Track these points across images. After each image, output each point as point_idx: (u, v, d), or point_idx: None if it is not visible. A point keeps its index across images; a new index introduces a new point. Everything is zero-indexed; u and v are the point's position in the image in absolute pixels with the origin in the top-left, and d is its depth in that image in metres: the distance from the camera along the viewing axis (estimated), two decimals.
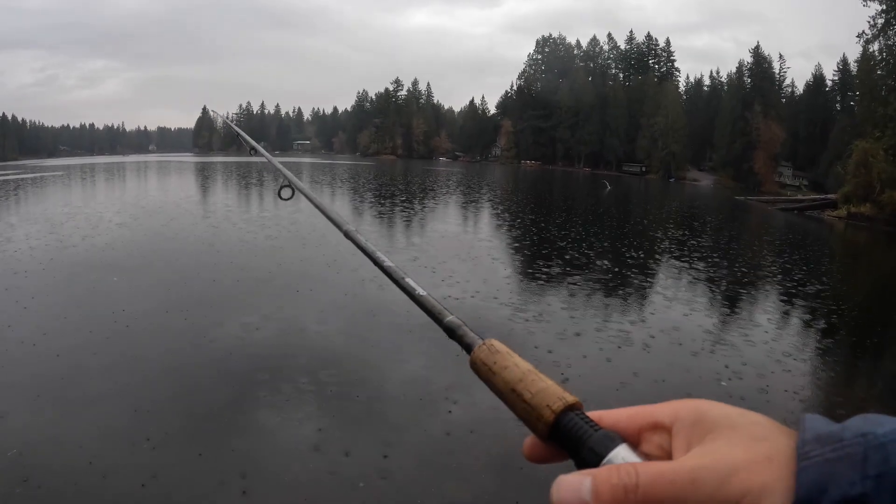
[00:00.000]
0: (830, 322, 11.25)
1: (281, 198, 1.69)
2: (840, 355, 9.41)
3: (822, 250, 24.84)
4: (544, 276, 13.13)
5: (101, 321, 8.41)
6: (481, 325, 8.82)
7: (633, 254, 17.44)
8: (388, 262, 0.89)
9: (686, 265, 15.89)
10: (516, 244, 18.44)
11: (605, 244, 19.35)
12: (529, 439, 0.56)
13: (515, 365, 0.58)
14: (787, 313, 11.63)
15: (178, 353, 7.28)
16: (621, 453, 0.50)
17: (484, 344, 0.62)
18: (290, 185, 1.67)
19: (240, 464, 4.90)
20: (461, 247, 16.39)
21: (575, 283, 12.52)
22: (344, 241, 1.08)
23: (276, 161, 1.77)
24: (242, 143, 2.77)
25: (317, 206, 1.35)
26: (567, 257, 15.38)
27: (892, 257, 26.02)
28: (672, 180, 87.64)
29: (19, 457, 4.83)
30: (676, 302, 11.46)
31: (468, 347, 0.64)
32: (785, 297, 12.89)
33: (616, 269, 14.39)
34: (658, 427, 0.52)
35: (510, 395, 0.57)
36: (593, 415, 0.54)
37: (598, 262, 15.18)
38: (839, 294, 14.33)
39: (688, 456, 0.48)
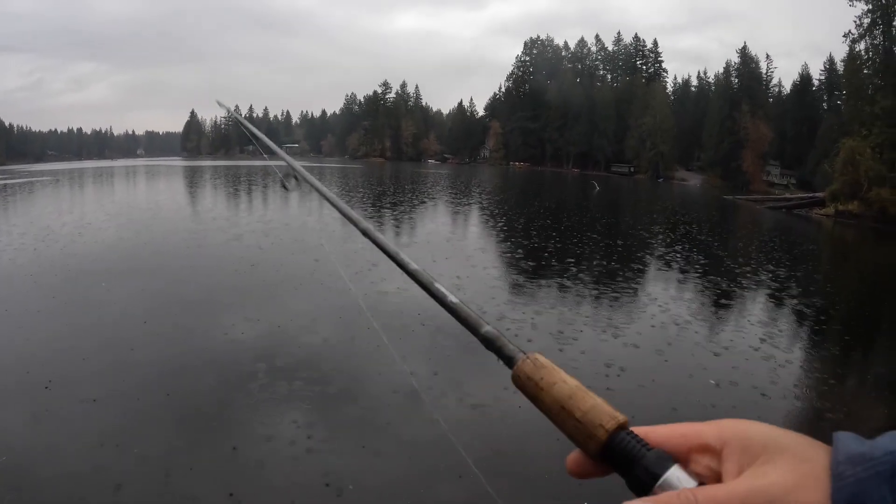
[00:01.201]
0: (820, 319, 11.28)
1: (285, 188, 1.65)
2: (830, 351, 9.43)
3: (811, 248, 24.95)
4: (534, 277, 13.11)
5: (90, 327, 8.30)
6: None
7: (623, 252, 17.45)
8: (413, 265, 0.84)
9: (675, 264, 15.90)
10: (505, 244, 18.40)
11: (595, 244, 19.33)
12: (575, 455, 0.56)
13: (563, 381, 0.57)
14: (776, 310, 11.65)
15: (169, 359, 7.18)
16: (675, 474, 0.50)
17: (528, 358, 0.60)
18: (294, 175, 1.62)
19: (229, 469, 4.85)
20: (450, 249, 16.35)
21: (564, 284, 12.49)
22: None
23: (296, 164, 1.66)
24: (253, 141, 2.67)
25: (330, 202, 1.27)
26: (552, 255, 15.36)
27: (880, 254, 26.16)
28: (661, 180, 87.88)
29: (8, 464, 4.75)
30: (665, 300, 11.44)
31: (509, 361, 0.62)
32: (774, 295, 12.90)
33: (606, 268, 14.38)
34: (707, 449, 0.53)
35: (559, 413, 0.56)
36: (639, 430, 0.54)
37: (588, 262, 15.17)
38: (828, 291, 14.39)
39: (740, 480, 0.49)
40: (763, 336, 9.34)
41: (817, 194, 44.31)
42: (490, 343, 0.65)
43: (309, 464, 4.98)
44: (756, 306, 11.90)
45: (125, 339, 7.76)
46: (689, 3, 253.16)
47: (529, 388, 0.59)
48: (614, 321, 9.71)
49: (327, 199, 1.27)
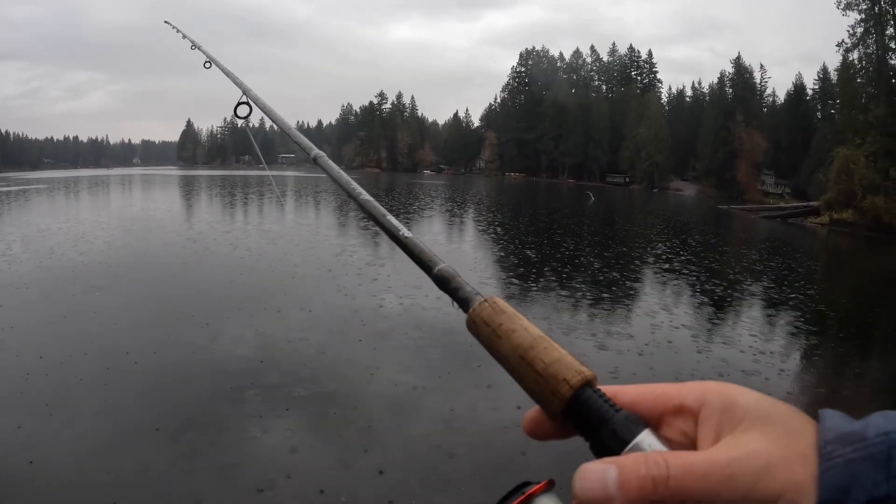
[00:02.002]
0: (814, 327, 11.25)
1: (237, 115, 1.52)
2: (825, 357, 9.41)
3: (806, 257, 24.96)
4: (531, 286, 13.08)
5: (84, 337, 8.24)
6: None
7: (619, 260, 17.44)
8: (365, 196, 0.79)
9: (671, 272, 15.89)
10: (501, 254, 18.39)
11: (592, 252, 19.31)
12: (533, 413, 0.52)
13: (524, 329, 0.52)
14: (770, 319, 11.63)
15: (163, 368, 7.13)
16: (647, 440, 0.46)
17: (486, 301, 0.56)
18: (247, 103, 1.51)
19: (222, 479, 4.81)
20: (448, 258, 16.32)
21: (562, 291, 12.46)
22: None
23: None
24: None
25: (283, 130, 1.25)
26: (545, 265, 15.35)
27: (874, 262, 26.21)
28: (656, 190, 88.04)
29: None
30: (661, 307, 11.43)
31: (464, 303, 0.58)
32: (770, 303, 12.89)
33: (602, 276, 14.37)
34: (683, 411, 0.48)
35: (518, 364, 0.51)
36: (608, 389, 0.50)
37: (585, 270, 15.15)
38: (823, 299, 14.36)
39: (719, 447, 0.45)
40: (756, 343, 9.34)
41: (812, 203, 44.42)
42: (444, 283, 0.61)
43: (302, 475, 4.93)
44: (750, 315, 11.86)
45: (117, 349, 7.69)
46: (682, 14, 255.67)
47: (486, 335, 0.54)
48: (607, 329, 9.68)
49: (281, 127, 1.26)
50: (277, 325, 9.14)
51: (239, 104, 1.50)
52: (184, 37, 2.65)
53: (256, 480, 4.74)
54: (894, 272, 22.86)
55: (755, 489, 0.42)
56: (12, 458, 4.92)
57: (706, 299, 12.70)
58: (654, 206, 54.48)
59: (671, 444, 0.47)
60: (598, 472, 0.44)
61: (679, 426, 0.48)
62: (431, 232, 22.89)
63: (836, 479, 0.40)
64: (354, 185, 0.84)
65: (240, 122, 1.57)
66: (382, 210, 0.74)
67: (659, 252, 20.06)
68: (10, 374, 6.78)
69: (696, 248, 22.78)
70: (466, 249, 19.00)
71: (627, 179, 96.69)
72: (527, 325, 0.53)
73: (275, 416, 5.88)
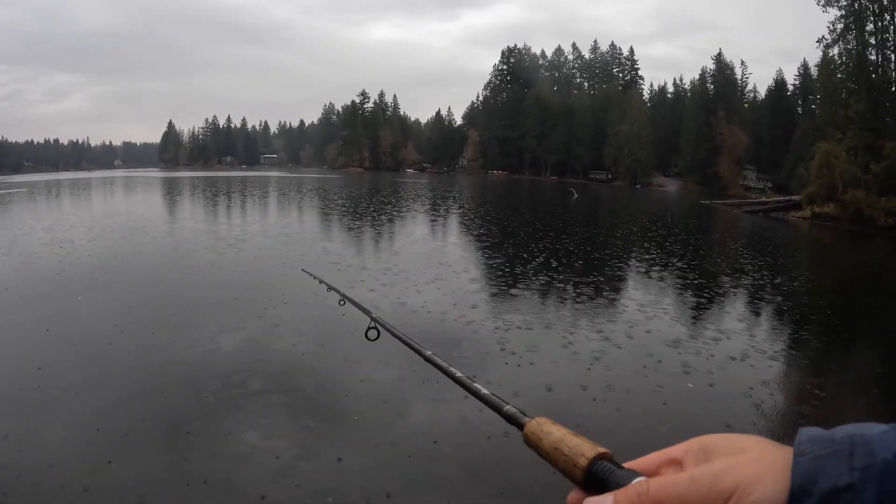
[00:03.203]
0: (798, 320, 11.24)
1: (368, 338, 1.75)
2: (808, 351, 9.32)
3: (789, 251, 25.03)
4: (515, 285, 12.96)
5: (65, 341, 8.01)
6: (459, 334, 8.64)
7: (603, 257, 17.36)
8: (458, 374, 0.98)
9: (655, 268, 15.83)
10: (486, 251, 18.26)
11: (575, 249, 19.22)
12: (572, 494, 0.62)
13: (557, 430, 0.67)
14: (754, 312, 11.58)
15: (145, 372, 6.91)
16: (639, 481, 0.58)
17: (534, 420, 0.71)
18: (376, 328, 1.73)
19: (206, 488, 4.62)
20: (431, 258, 16.20)
21: (546, 289, 12.35)
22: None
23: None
24: None
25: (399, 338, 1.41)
26: (533, 262, 15.23)
27: (856, 255, 26.36)
28: (639, 186, 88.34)
29: None
30: (646, 304, 11.34)
31: (521, 426, 0.73)
32: (753, 297, 12.84)
33: (586, 274, 14.27)
34: (673, 462, 0.59)
35: (553, 453, 0.65)
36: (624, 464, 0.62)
37: (569, 268, 15.04)
38: (806, 292, 14.34)
39: (692, 470, 0.55)
40: (740, 337, 9.26)
41: (793, 197, 44.67)
42: (510, 418, 0.77)
43: (289, 478, 4.78)
44: (734, 308, 11.79)
45: (101, 353, 7.48)
46: (659, 12, 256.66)
47: (533, 441, 0.69)
48: (595, 325, 9.57)
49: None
50: (262, 325, 8.96)
51: (369, 329, 1.74)
52: (320, 282, 3.29)
53: (239, 483, 4.60)
54: (876, 265, 22.95)
55: (714, 486, 0.51)
56: None
57: (689, 293, 12.63)
58: (637, 202, 54.71)
59: None
60: (598, 502, 0.57)
61: (669, 473, 0.58)
62: (414, 234, 22.74)
63: (805, 470, 0.48)
64: (453, 369, 1.00)
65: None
66: (470, 381, 0.92)
67: (642, 246, 20.03)
68: None
69: (680, 242, 22.75)
70: (450, 248, 18.89)
71: (610, 176, 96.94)
72: (559, 427, 0.68)
73: (261, 418, 5.70)
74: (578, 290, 12.06)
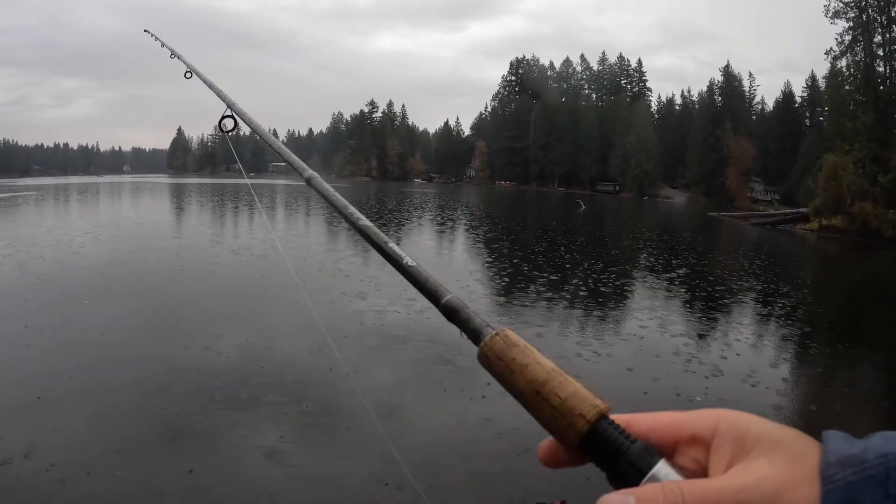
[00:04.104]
0: (805, 331, 11.17)
1: (221, 129, 1.50)
2: (816, 363, 9.27)
3: (796, 263, 24.95)
4: (521, 293, 12.95)
5: (73, 344, 8.00)
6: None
7: (608, 268, 17.34)
8: (364, 221, 0.78)
9: (663, 279, 15.80)
10: (494, 265, 18.26)
11: (582, 260, 19.20)
12: (549, 443, 0.53)
13: (538, 363, 0.53)
14: (763, 324, 11.54)
15: (151, 376, 6.89)
16: (663, 470, 0.48)
17: (497, 334, 0.55)
18: (232, 116, 1.50)
19: (204, 488, 4.63)
20: (440, 269, 16.22)
21: (552, 300, 12.34)
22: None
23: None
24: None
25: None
26: (536, 272, 15.22)
27: (863, 267, 26.22)
28: (645, 198, 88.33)
29: None
30: (653, 315, 11.29)
31: (475, 335, 0.57)
32: (759, 310, 12.80)
33: (593, 285, 14.25)
34: (696, 440, 0.50)
35: (534, 399, 0.52)
36: (620, 419, 0.51)
37: (573, 278, 15.03)
38: (815, 304, 14.29)
39: (731, 474, 0.47)
40: (747, 349, 9.24)
41: (801, 209, 44.54)
42: (453, 314, 0.60)
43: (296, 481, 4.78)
44: (741, 321, 11.75)
45: (108, 357, 7.48)
46: (663, 23, 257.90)
47: (499, 369, 0.54)
48: (597, 335, 9.55)
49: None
50: (262, 333, 8.95)
51: (224, 118, 1.49)
52: (162, 45, 2.69)
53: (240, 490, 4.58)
54: (884, 277, 22.84)
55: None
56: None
57: (697, 305, 12.59)
58: (645, 214, 54.60)
59: (685, 472, 0.48)
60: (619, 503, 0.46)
61: (692, 454, 0.50)
62: (420, 241, 22.75)
63: (837, 501, 0.43)
64: (352, 209, 0.82)
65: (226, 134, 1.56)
66: (384, 237, 0.73)
67: (650, 259, 20.01)
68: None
69: (688, 254, 22.70)
70: (457, 256, 18.90)
71: (617, 187, 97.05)
72: (539, 358, 0.53)
73: (265, 423, 5.69)
74: (584, 301, 12.04)
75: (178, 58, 2.36)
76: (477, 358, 0.56)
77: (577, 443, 0.50)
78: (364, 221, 0.77)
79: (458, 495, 4.61)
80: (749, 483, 0.45)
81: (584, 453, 0.51)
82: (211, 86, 1.75)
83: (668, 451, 0.50)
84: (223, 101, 1.55)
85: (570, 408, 0.50)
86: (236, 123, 1.49)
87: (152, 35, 3.14)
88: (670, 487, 0.46)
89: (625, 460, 0.48)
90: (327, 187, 0.90)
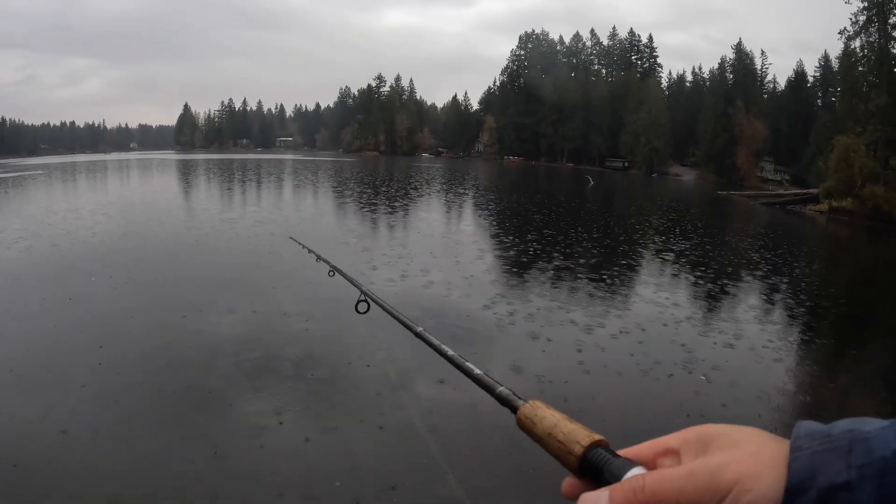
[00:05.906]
0: (813, 315, 11.31)
1: (357, 311, 1.83)
2: (822, 347, 9.45)
3: (805, 244, 25.01)
4: (529, 270, 13.10)
5: (79, 322, 8.27)
6: (460, 317, 8.83)
7: (619, 247, 17.45)
8: (451, 352, 0.98)
9: (670, 258, 15.92)
10: (500, 237, 18.38)
11: (590, 237, 19.31)
12: (567, 479, 0.62)
13: (551, 415, 0.67)
14: (769, 306, 11.68)
15: (158, 351, 7.18)
16: (636, 472, 0.56)
17: (528, 403, 0.71)
18: (366, 301, 1.82)
19: (217, 464, 4.85)
20: (446, 243, 16.35)
21: (559, 276, 12.49)
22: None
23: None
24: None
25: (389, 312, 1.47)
26: (544, 248, 15.35)
27: (873, 251, 26.27)
28: (655, 175, 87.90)
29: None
30: (659, 294, 11.45)
31: (514, 409, 0.72)
32: (767, 291, 12.96)
33: (600, 262, 14.38)
34: (669, 452, 0.58)
35: (548, 439, 0.65)
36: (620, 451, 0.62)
37: (583, 256, 15.16)
38: (823, 286, 14.42)
39: (688, 463, 0.55)
40: (754, 330, 9.36)
41: (811, 191, 44.41)
42: (503, 400, 0.76)
43: (297, 459, 4.99)
44: (749, 302, 11.90)
45: (116, 333, 7.73)
46: (675, 0, 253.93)
47: (527, 425, 0.68)
48: (604, 310, 9.70)
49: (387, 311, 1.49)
50: (274, 307, 9.20)
51: (359, 301, 1.83)
52: (309, 251, 3.46)
53: (248, 463, 4.76)
54: (894, 261, 22.92)
55: (712, 482, 0.50)
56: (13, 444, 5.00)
57: (705, 285, 12.74)
58: (654, 191, 54.50)
59: None
60: (593, 497, 0.56)
61: (667, 464, 0.58)
62: (429, 216, 22.88)
63: (802, 466, 0.48)
64: (445, 346, 1.01)
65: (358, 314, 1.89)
66: (462, 359, 0.92)
67: (659, 237, 20.10)
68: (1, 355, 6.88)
69: (697, 233, 22.77)
70: (465, 230, 19.05)
71: (626, 164, 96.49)
72: (553, 412, 0.67)
73: (278, 398, 5.92)
74: (592, 279, 12.19)
75: (323, 260, 2.94)
76: (516, 423, 0.71)
77: (577, 466, 0.61)
78: (451, 352, 0.97)
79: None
80: (698, 463, 0.53)
81: (583, 475, 0.61)
82: (352, 280, 2.14)
83: (650, 465, 0.58)
84: (358, 288, 1.91)
85: (570, 440, 0.62)
86: (369, 307, 1.80)
87: (298, 242, 4.28)
88: (635, 478, 0.54)
89: (608, 469, 0.58)
90: (430, 337, 1.09)
